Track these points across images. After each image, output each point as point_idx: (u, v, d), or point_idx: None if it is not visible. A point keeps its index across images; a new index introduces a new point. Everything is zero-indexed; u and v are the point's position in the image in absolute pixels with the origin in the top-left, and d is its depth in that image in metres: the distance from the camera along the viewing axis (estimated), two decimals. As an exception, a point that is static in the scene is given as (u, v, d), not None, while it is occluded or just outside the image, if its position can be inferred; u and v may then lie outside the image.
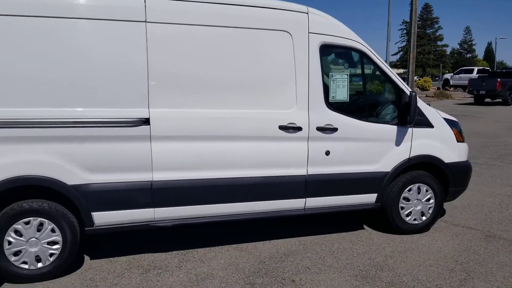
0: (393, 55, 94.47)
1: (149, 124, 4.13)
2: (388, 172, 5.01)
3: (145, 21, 4.10)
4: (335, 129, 4.73)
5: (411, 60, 31.00)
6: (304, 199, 4.77)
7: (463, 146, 5.46)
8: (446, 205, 6.23)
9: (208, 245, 4.86)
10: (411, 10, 29.80)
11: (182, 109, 4.26)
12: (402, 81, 5.06)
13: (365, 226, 5.52)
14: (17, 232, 3.95)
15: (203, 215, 4.48)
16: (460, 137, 5.41)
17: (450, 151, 5.29)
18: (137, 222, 4.30)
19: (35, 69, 3.81)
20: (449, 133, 5.30)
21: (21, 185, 3.90)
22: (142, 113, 4.12)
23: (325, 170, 4.78)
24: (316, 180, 4.75)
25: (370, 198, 5.04)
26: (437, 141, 5.22)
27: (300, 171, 4.69)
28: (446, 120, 5.37)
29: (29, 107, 3.82)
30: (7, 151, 3.82)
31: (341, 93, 4.83)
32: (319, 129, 4.67)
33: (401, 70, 65.82)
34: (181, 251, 4.72)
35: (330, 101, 4.79)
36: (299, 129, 4.60)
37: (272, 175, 4.60)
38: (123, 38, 4.06)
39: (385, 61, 5.37)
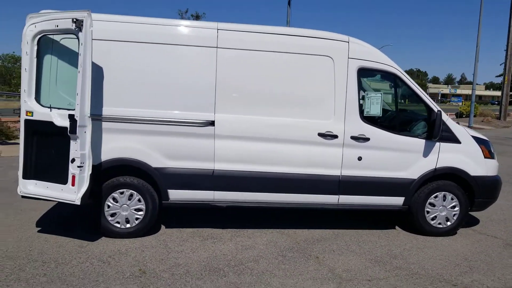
0: (497, 76, 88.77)
1: (214, 125, 5.38)
2: (414, 179, 5.77)
3: (216, 47, 5.38)
4: (368, 139, 5.64)
5: (505, 83, 29.77)
6: (338, 196, 5.71)
7: (492, 162, 6.03)
8: (481, 217, 6.79)
9: (257, 227, 5.97)
10: (508, 32, 28.77)
11: (241, 115, 5.45)
12: (431, 100, 5.82)
13: (396, 227, 6.27)
14: (114, 199, 5.39)
15: (252, 201, 5.62)
16: (488, 154, 5.99)
17: (476, 165, 5.91)
18: (200, 200, 5.55)
19: (143, 81, 5.24)
20: (476, 149, 5.93)
21: (119, 164, 5.34)
22: (209, 117, 5.38)
23: (357, 173, 5.68)
24: (349, 181, 5.68)
25: (397, 200, 5.83)
26: (463, 155, 5.87)
27: (335, 172, 5.65)
28: (475, 138, 5.99)
29: (133, 108, 5.25)
30: (113, 139, 5.28)
31: (374, 108, 5.72)
32: (353, 138, 5.61)
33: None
34: (234, 229, 5.89)
35: (364, 115, 5.70)
36: (335, 136, 5.58)
37: (310, 173, 5.61)
38: (200, 59, 5.37)
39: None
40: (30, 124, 5.05)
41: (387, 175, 5.75)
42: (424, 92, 5.88)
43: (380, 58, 5.76)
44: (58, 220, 6.05)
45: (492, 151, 6.12)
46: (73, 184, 4.85)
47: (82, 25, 4.65)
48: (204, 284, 4.27)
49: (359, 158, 5.67)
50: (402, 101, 6.57)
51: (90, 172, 4.88)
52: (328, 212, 6.63)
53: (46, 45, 5.14)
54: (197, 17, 54.63)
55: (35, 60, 5.03)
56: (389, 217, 6.51)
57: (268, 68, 5.51)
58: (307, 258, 5.03)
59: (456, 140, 5.88)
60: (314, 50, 5.57)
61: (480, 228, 6.42)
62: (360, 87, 5.70)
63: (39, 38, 5.01)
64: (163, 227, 5.89)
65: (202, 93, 5.38)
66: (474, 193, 5.93)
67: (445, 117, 5.84)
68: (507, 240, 5.92)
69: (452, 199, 5.91)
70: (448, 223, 5.96)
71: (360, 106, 5.70)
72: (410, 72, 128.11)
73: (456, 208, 5.93)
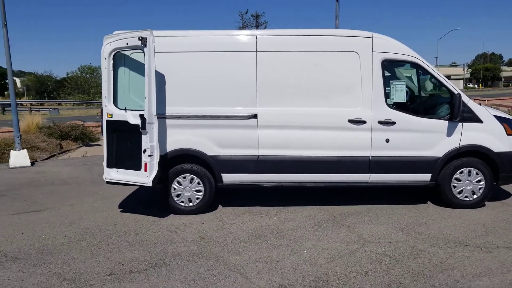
0: None
1: (256, 117, 6.35)
2: (440, 157, 6.40)
3: (256, 51, 6.35)
4: (394, 123, 6.35)
5: None
6: (369, 174, 6.47)
7: None
8: (512, 191, 7.23)
9: (299, 205, 6.87)
10: None
11: (279, 107, 6.38)
12: (452, 84, 6.41)
13: (428, 202, 6.90)
14: (179, 182, 6.53)
15: (293, 181, 6.54)
16: (511, 131, 6.47)
17: (499, 141, 6.41)
18: (249, 182, 6.56)
19: (197, 83, 6.33)
20: (498, 127, 6.43)
21: (181, 153, 6.47)
22: (252, 110, 6.36)
23: (386, 153, 6.42)
24: (378, 161, 6.42)
25: (425, 177, 6.48)
26: (485, 133, 6.41)
27: (365, 153, 6.42)
28: (498, 117, 6.49)
29: (190, 107, 6.35)
30: (176, 133, 6.42)
31: (399, 95, 6.42)
32: (380, 122, 6.35)
33: None
34: (280, 206, 6.84)
35: (390, 101, 6.42)
36: (363, 122, 6.35)
37: (343, 155, 6.43)
38: (243, 62, 6.36)
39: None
40: (111, 124, 6.31)
41: (414, 154, 6.42)
42: (445, 78, 6.47)
43: (401, 49, 6.44)
44: (136, 203, 7.31)
45: (516, 127, 6.58)
46: (145, 170, 6.05)
47: (146, 41, 5.81)
48: (250, 245, 5.26)
49: (387, 140, 6.39)
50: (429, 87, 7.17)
51: (158, 160, 6.03)
52: (366, 189, 7.39)
53: (119, 59, 6.38)
54: (257, 17, 56.06)
55: (111, 72, 6.28)
56: (420, 193, 7.13)
57: (301, 65, 6.39)
58: (339, 227, 5.87)
59: (478, 120, 6.42)
60: (341, 47, 6.37)
61: (510, 200, 6.88)
62: (385, 77, 6.41)
63: (114, 54, 6.26)
64: (220, 206, 6.96)
65: (246, 91, 6.37)
66: (498, 168, 6.45)
67: (466, 99, 6.41)
68: (533, 210, 6.38)
69: (477, 174, 6.46)
70: (475, 196, 6.51)
71: (386, 93, 6.41)
72: (483, 56, 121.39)
73: (482, 182, 6.47)
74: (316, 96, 6.40)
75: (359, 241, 5.33)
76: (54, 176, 10.00)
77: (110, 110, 6.32)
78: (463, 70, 68.08)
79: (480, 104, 6.63)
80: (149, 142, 5.97)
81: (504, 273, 4.35)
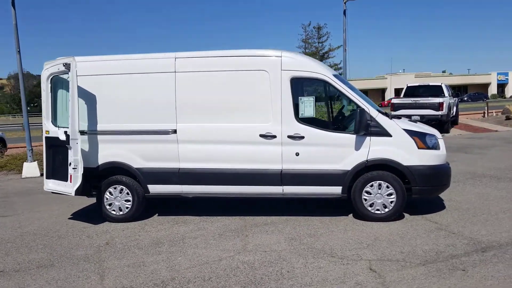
0: None
1: (176, 133, 6.86)
2: (348, 171, 6.52)
3: (175, 71, 6.88)
4: (302, 137, 6.58)
5: None
6: (282, 187, 6.73)
7: (427, 152, 6.46)
8: (450, 205, 7.17)
9: (225, 215, 7.24)
10: None
11: (197, 123, 6.85)
12: (360, 100, 6.52)
13: (349, 215, 6.98)
14: (110, 192, 7.18)
15: (212, 192, 6.96)
16: (422, 145, 6.44)
17: (409, 155, 6.41)
18: (172, 193, 7.06)
19: (122, 103, 6.98)
20: (408, 140, 6.43)
21: (112, 166, 7.13)
22: (172, 126, 6.88)
23: (296, 166, 6.65)
24: (290, 173, 6.67)
25: (336, 189, 6.62)
26: (394, 147, 6.44)
27: (277, 166, 6.70)
28: (408, 131, 6.49)
29: (117, 124, 7.00)
30: (107, 148, 7.09)
31: (308, 111, 6.64)
32: (290, 136, 6.61)
33: None
34: (206, 216, 7.25)
35: (300, 116, 6.66)
36: (274, 136, 6.64)
37: (257, 168, 6.74)
38: (163, 82, 6.91)
39: None
40: (48, 140, 7.15)
41: (323, 167, 6.59)
42: (354, 93, 6.59)
43: (310, 67, 6.68)
44: (93, 211, 7.95)
45: (430, 142, 6.53)
46: (70, 181, 6.76)
47: (69, 67, 6.56)
48: (139, 251, 5.76)
49: (297, 154, 6.62)
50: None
51: (82, 172, 6.72)
52: (302, 200, 7.61)
53: (60, 82, 7.19)
54: (318, 28, 57.05)
55: (50, 94, 7.12)
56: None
57: (216, 84, 6.82)
58: (237, 236, 6.18)
59: (386, 134, 6.47)
60: (252, 66, 6.73)
61: (433, 215, 6.78)
62: (294, 93, 6.66)
63: (52, 78, 7.08)
64: (156, 214, 7.52)
65: (166, 108, 6.90)
66: (409, 181, 6.44)
67: (374, 113, 6.49)
68: (442, 225, 6.27)
69: (387, 187, 6.49)
70: (386, 210, 6.53)
71: (296, 109, 6.66)
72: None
73: (393, 196, 6.49)
74: (230, 112, 6.80)
75: (239, 250, 5.64)
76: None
77: (48, 128, 7.14)
78: None
79: (391, 118, 6.65)
80: (73, 156, 6.68)
81: (334, 284, 4.50)
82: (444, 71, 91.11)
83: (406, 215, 6.81)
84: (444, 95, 20.13)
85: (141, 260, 5.43)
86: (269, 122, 6.68)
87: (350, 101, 6.63)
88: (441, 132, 19.17)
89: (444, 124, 19.56)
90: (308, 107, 6.67)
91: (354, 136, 6.51)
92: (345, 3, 17.01)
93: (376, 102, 23.21)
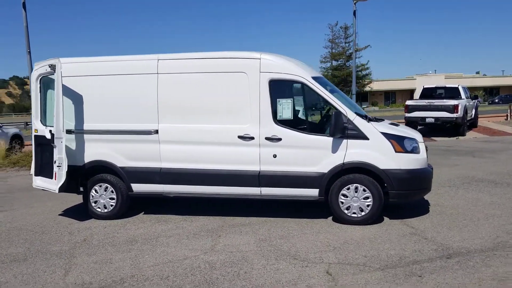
0: None
1: (158, 133, 6.98)
2: (325, 173, 6.49)
3: (157, 73, 7.00)
4: (280, 139, 6.60)
5: None
6: (259, 188, 6.76)
7: (404, 156, 6.37)
8: (434, 210, 7.05)
9: (207, 214, 7.32)
10: None
11: (178, 124, 6.95)
12: (337, 102, 6.48)
13: (328, 218, 6.95)
14: (95, 190, 7.36)
15: (193, 192, 7.04)
16: (400, 149, 6.36)
17: (386, 159, 6.34)
18: (154, 192, 7.19)
19: (106, 103, 7.15)
20: (386, 144, 6.36)
21: (97, 165, 7.31)
22: (154, 126, 7.00)
23: (274, 168, 6.67)
24: (267, 175, 6.69)
25: (313, 192, 6.61)
26: (371, 150, 6.37)
27: (255, 167, 6.73)
28: (386, 134, 6.42)
29: (102, 123, 7.18)
30: (92, 146, 7.28)
31: (286, 113, 6.64)
32: (267, 138, 6.63)
33: None
34: (189, 215, 7.35)
35: (278, 118, 6.67)
36: (252, 138, 6.68)
37: (235, 169, 6.79)
38: (146, 83, 7.05)
39: None
40: (36, 138, 7.38)
41: (300, 169, 6.59)
42: (331, 96, 6.56)
43: (288, 69, 6.68)
44: (82, 208, 8.22)
45: (409, 145, 6.44)
46: (55, 179, 6.97)
47: (55, 68, 6.76)
48: (110, 248, 5.90)
49: (274, 156, 6.64)
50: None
51: (66, 170, 6.92)
52: (287, 202, 7.62)
53: (50, 82, 7.40)
54: (345, 28, 57.13)
55: (39, 94, 7.36)
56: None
57: (197, 85, 6.91)
58: (209, 237, 6.24)
59: (364, 137, 6.41)
60: (231, 68, 6.78)
61: (413, 220, 6.68)
62: (273, 95, 6.67)
63: (41, 78, 7.32)
64: (142, 213, 7.67)
65: (149, 108, 7.04)
66: (386, 185, 6.37)
67: (352, 116, 6.44)
68: (417, 230, 6.17)
69: (364, 190, 6.44)
70: (363, 213, 6.48)
71: (274, 111, 6.68)
72: None
73: (369, 199, 6.43)
74: (210, 113, 6.87)
75: (206, 249, 5.70)
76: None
77: (36, 126, 7.38)
78: None
79: (369, 121, 6.56)
80: (57, 154, 6.88)
81: (286, 286, 4.51)
82: (477, 72, 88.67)
83: (386, 218, 6.75)
84: (461, 97, 19.68)
85: (109, 257, 5.56)
86: (248, 124, 6.72)
87: (327, 103, 6.61)
88: (456, 135, 19.25)
89: (459, 126, 19.14)
90: (286, 109, 6.67)
91: (331, 138, 6.48)
92: (355, 3, 16.82)
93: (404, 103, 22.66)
